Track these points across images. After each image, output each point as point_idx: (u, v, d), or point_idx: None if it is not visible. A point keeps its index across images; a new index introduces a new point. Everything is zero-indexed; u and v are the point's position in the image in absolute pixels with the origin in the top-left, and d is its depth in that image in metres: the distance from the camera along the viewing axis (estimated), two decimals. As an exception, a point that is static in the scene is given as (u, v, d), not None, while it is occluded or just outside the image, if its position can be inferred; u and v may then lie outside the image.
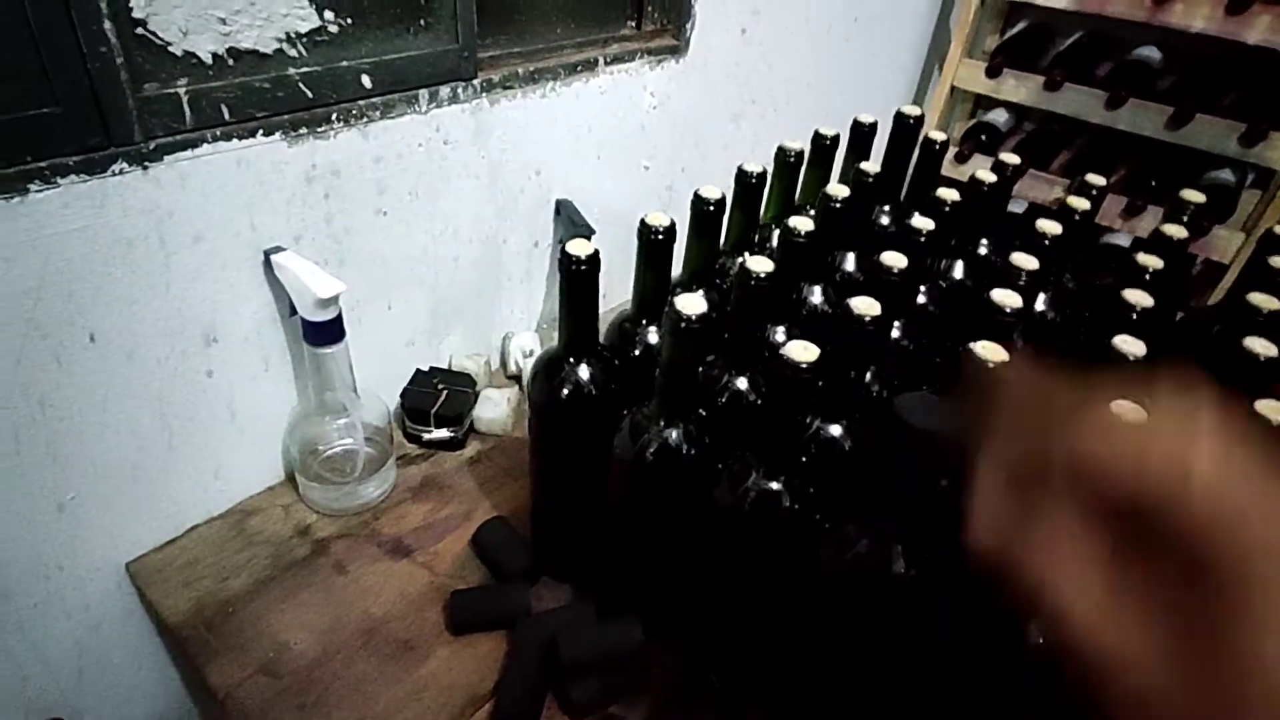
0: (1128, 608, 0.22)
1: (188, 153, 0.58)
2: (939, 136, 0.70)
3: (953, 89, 1.51)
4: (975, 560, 0.24)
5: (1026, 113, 1.53)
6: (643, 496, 0.57)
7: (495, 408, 0.86)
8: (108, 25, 0.51)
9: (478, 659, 0.63)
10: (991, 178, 0.66)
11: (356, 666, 0.62)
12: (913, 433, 0.39)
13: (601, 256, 0.51)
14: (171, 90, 0.57)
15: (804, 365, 0.45)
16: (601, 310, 0.56)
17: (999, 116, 1.55)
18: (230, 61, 0.59)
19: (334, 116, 0.67)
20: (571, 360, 0.56)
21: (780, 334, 0.59)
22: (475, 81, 0.77)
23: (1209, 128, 1.27)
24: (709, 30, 1.02)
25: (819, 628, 0.53)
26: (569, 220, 0.92)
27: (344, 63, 0.66)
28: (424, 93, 0.72)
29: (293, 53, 0.63)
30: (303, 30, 0.62)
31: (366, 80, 0.67)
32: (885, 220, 0.70)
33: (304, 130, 0.65)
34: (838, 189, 0.60)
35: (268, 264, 0.67)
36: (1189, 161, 1.33)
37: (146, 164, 0.56)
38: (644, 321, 0.61)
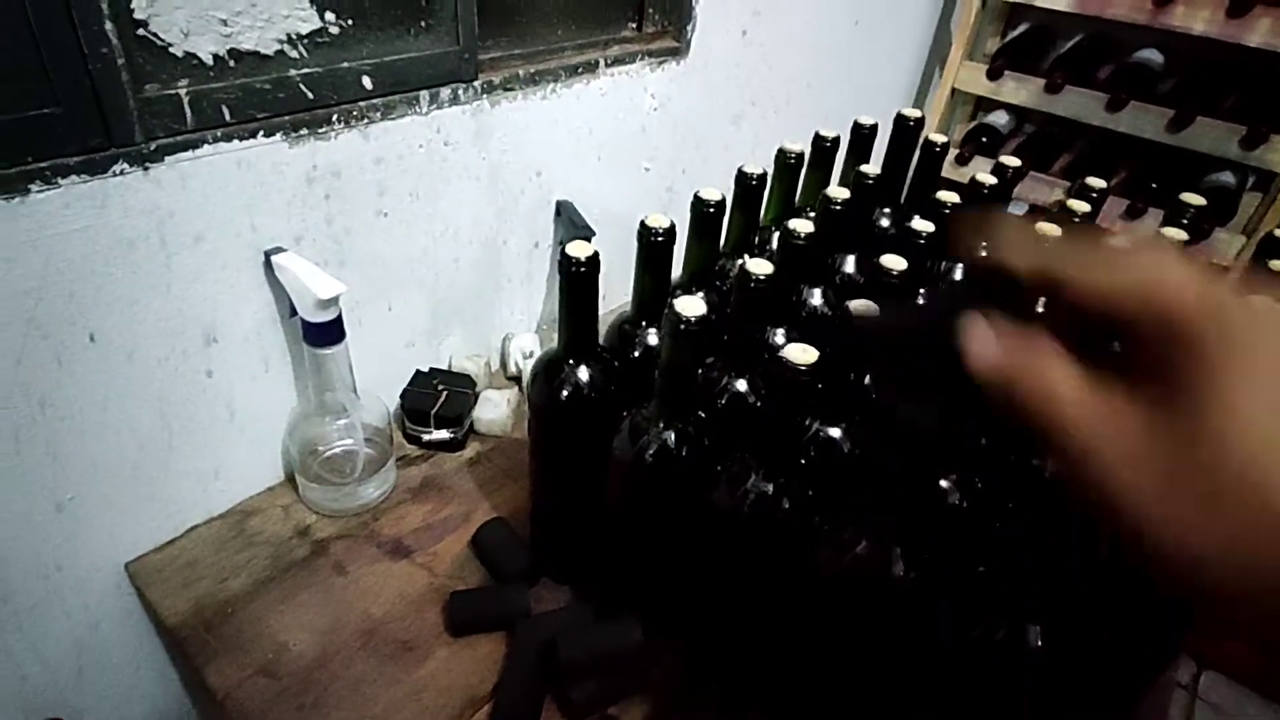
0: (1111, 404, 0.23)
1: (188, 153, 0.59)
2: (939, 139, 0.70)
3: (953, 91, 1.51)
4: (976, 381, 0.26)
5: (1027, 115, 1.54)
6: (642, 498, 0.57)
7: (495, 409, 0.86)
8: (109, 26, 0.51)
9: (477, 660, 0.63)
10: (992, 180, 0.66)
11: (356, 667, 0.62)
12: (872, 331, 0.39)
13: (601, 258, 0.51)
14: (172, 91, 0.57)
15: (803, 367, 0.45)
16: (601, 312, 0.56)
17: (999, 119, 1.55)
18: (231, 63, 0.59)
19: (335, 118, 0.67)
20: (571, 362, 0.56)
21: (780, 336, 0.59)
22: (476, 83, 0.77)
23: (1210, 130, 1.27)
24: (710, 32, 1.02)
25: (818, 629, 0.53)
26: (569, 221, 0.92)
27: (345, 64, 0.66)
28: (425, 94, 0.73)
29: (294, 54, 0.63)
30: (304, 31, 0.62)
31: (367, 81, 0.68)
32: (885, 222, 0.70)
33: (305, 131, 0.65)
34: (838, 191, 0.60)
35: (268, 265, 0.67)
36: (1190, 164, 1.33)
37: (147, 165, 0.57)
38: (644, 323, 0.61)
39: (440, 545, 0.73)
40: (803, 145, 0.67)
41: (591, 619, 0.63)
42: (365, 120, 0.69)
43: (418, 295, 0.84)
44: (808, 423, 0.53)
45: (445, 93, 0.74)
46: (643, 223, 0.55)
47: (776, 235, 0.67)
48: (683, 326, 0.46)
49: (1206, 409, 0.22)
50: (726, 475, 0.52)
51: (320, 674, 0.61)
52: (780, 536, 0.50)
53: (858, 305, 0.45)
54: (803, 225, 0.55)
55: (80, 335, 0.58)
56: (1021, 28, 1.52)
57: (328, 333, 0.67)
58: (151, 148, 0.56)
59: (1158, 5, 1.25)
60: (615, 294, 0.76)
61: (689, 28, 0.99)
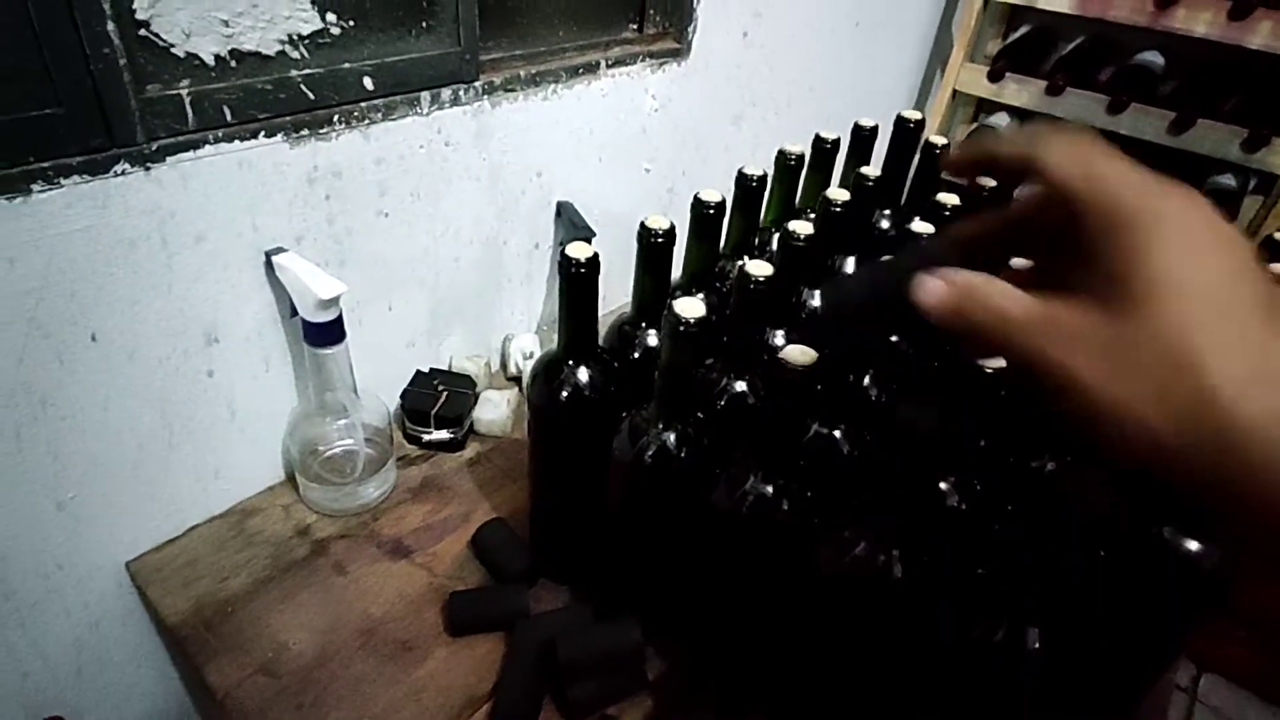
0: (1055, 307, 0.25)
1: (190, 154, 0.59)
2: (940, 140, 0.70)
3: (954, 93, 1.52)
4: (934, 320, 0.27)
5: (1028, 117, 1.53)
6: (641, 499, 0.57)
7: (495, 409, 0.86)
8: (111, 27, 0.51)
9: (476, 660, 0.64)
10: (992, 183, 0.66)
11: (355, 667, 0.62)
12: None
13: (602, 259, 0.51)
14: (174, 91, 0.57)
15: (802, 369, 0.45)
16: (601, 312, 0.56)
17: (1000, 121, 1.55)
18: (233, 63, 0.60)
19: (336, 118, 0.67)
20: (571, 362, 0.57)
21: (779, 338, 0.59)
22: (477, 84, 0.77)
23: (1211, 133, 1.27)
24: (710, 33, 1.02)
25: (817, 630, 0.53)
26: (569, 222, 0.92)
27: (346, 65, 0.66)
28: (426, 95, 0.73)
29: (295, 55, 0.63)
30: (305, 32, 0.63)
31: (368, 82, 0.68)
32: (885, 224, 0.70)
33: (306, 132, 0.65)
34: (838, 193, 0.60)
35: (269, 265, 0.67)
36: (1191, 167, 1.33)
37: (149, 165, 0.57)
38: (643, 324, 0.61)
39: (440, 545, 0.73)
40: (803, 147, 0.67)
41: (590, 619, 0.63)
42: (366, 121, 0.69)
43: (418, 295, 0.84)
44: (807, 424, 0.53)
45: (446, 93, 0.74)
46: (643, 224, 0.55)
47: (776, 237, 0.67)
48: (682, 328, 0.46)
49: (1134, 286, 0.23)
50: (726, 476, 0.52)
51: (320, 673, 0.62)
52: (780, 537, 0.51)
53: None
54: (802, 227, 0.55)
55: (82, 335, 0.58)
56: (1023, 29, 1.52)
57: (328, 333, 0.68)
58: (153, 148, 0.56)
59: (1159, 7, 1.25)
60: (615, 295, 0.77)
61: (690, 29, 0.99)
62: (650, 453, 0.53)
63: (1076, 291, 0.24)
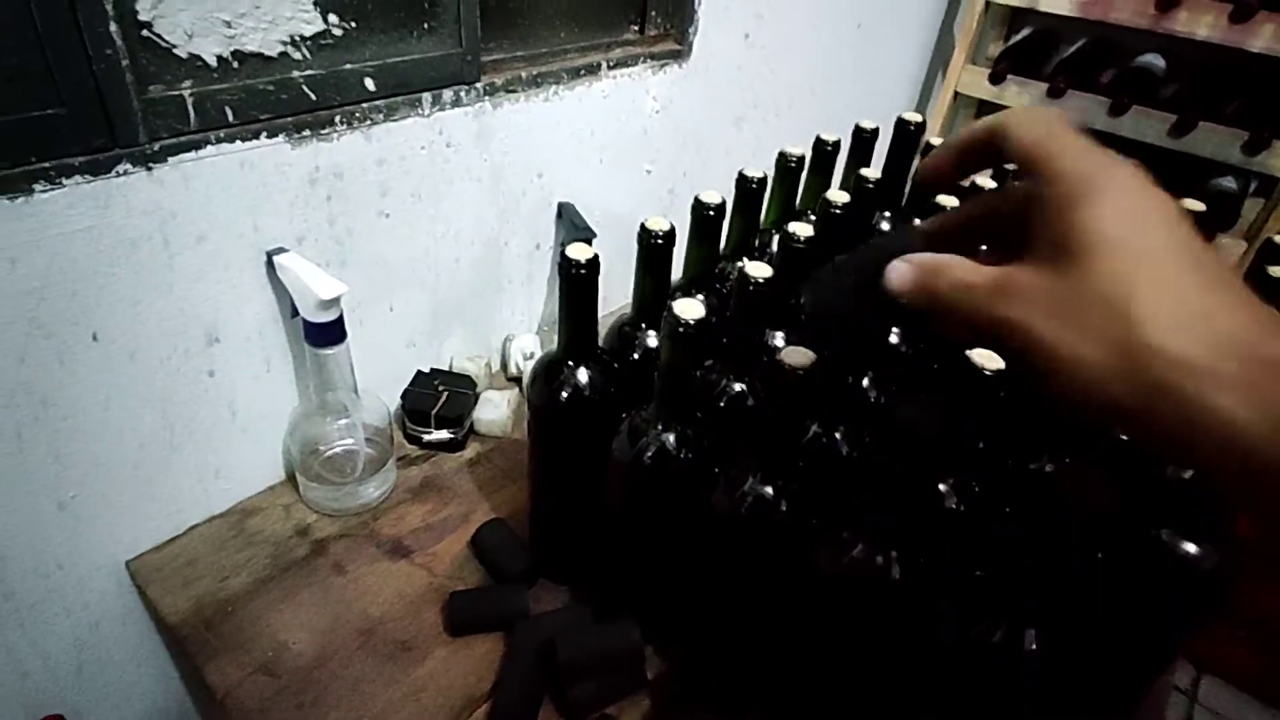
0: (1012, 273, 0.27)
1: (192, 154, 0.59)
2: (940, 143, 0.70)
3: (956, 95, 1.52)
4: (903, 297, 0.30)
5: (1029, 119, 1.53)
6: (641, 499, 0.57)
7: (495, 410, 0.87)
8: (113, 27, 0.51)
9: (475, 660, 0.64)
10: (993, 185, 0.66)
11: (355, 667, 0.62)
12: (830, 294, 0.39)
13: (602, 260, 0.51)
14: (176, 92, 0.57)
15: (801, 370, 0.45)
16: (601, 313, 0.56)
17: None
18: (235, 64, 0.60)
19: (337, 119, 0.67)
20: (571, 363, 0.57)
21: (779, 339, 0.59)
22: (478, 85, 0.77)
23: (1212, 135, 1.27)
24: (712, 35, 1.02)
25: (817, 631, 0.53)
26: (570, 223, 0.92)
27: (347, 66, 0.66)
28: (427, 96, 0.73)
29: (297, 56, 0.63)
30: (307, 33, 0.63)
31: (370, 83, 0.68)
32: (886, 226, 0.70)
33: (307, 132, 0.65)
34: (838, 195, 0.60)
35: (270, 265, 0.67)
36: (1192, 169, 1.33)
37: (151, 165, 0.57)
38: (643, 325, 0.62)
39: (440, 545, 0.74)
40: (803, 149, 0.67)
41: (590, 619, 0.63)
42: (368, 122, 0.69)
43: (419, 296, 0.84)
44: (806, 425, 0.53)
45: (448, 94, 0.75)
46: (643, 225, 0.55)
47: (776, 238, 0.67)
48: (681, 329, 0.46)
49: (1077, 245, 0.25)
50: (725, 477, 0.52)
51: (319, 673, 0.62)
52: (779, 538, 0.51)
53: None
54: (802, 228, 0.55)
55: (83, 335, 0.58)
56: (1024, 32, 1.53)
57: (329, 333, 0.68)
58: (155, 148, 0.57)
59: (1161, 10, 1.25)
60: (615, 296, 0.77)
61: (691, 30, 0.99)
62: (650, 453, 0.53)
63: (1029, 247, 0.27)
